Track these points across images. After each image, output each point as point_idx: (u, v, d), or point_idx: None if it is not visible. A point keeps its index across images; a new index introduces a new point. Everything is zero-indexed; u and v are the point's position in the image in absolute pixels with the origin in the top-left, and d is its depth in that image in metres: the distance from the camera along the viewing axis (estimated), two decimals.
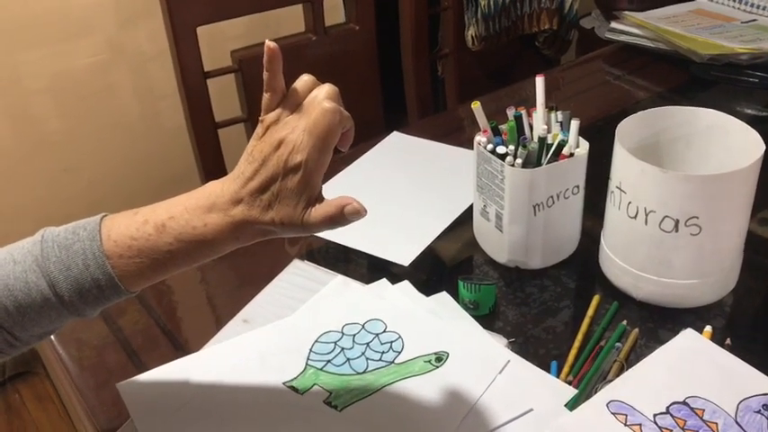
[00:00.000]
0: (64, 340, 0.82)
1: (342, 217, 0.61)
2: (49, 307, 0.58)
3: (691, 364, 0.72)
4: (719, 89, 1.27)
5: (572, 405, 0.69)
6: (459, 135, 1.19)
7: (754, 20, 1.38)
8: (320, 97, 0.60)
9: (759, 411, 0.67)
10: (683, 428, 0.65)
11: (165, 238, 0.59)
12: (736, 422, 0.66)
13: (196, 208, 0.60)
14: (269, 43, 0.60)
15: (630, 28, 1.39)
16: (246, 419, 0.69)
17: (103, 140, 1.80)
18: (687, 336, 0.75)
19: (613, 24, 1.42)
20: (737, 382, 0.69)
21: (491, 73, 1.65)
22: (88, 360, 0.80)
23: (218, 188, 0.61)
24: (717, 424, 0.66)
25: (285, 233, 0.62)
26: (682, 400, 0.68)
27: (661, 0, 1.51)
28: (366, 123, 1.40)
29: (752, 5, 1.42)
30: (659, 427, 0.65)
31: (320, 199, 0.62)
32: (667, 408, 0.67)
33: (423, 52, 1.47)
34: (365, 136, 1.17)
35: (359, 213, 0.61)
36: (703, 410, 0.67)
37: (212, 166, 1.32)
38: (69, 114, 1.75)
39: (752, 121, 1.19)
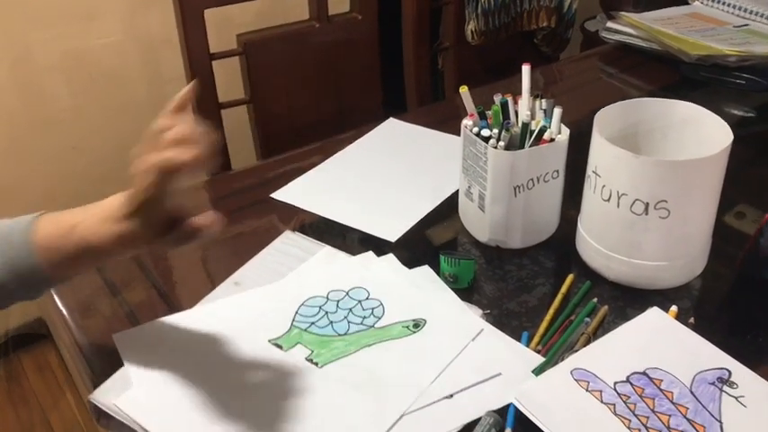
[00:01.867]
0: (66, 300, 0.87)
1: (195, 233, 0.68)
2: None
3: (653, 339, 0.76)
4: (708, 90, 1.31)
5: (539, 372, 0.74)
6: (455, 123, 1.22)
7: (747, 24, 1.42)
8: (152, 159, 0.63)
9: (713, 383, 0.71)
10: (640, 395, 0.70)
11: (74, 238, 0.67)
12: (691, 392, 0.70)
13: (97, 217, 0.67)
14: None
15: (626, 28, 1.43)
16: (233, 371, 0.73)
17: (111, 120, 1.85)
18: (652, 313, 0.79)
19: (609, 24, 1.46)
20: (696, 356, 0.74)
21: (490, 68, 1.69)
22: (87, 316, 0.85)
23: (116, 202, 0.67)
24: (672, 393, 0.70)
25: (160, 246, 0.70)
26: (642, 370, 0.72)
27: (662, 3, 1.55)
28: (365, 111, 1.45)
29: (745, 11, 1.46)
30: (618, 394, 0.70)
31: (181, 220, 0.68)
32: (627, 377, 0.72)
33: (423, 45, 1.51)
34: (365, 122, 1.22)
35: (212, 227, 0.69)
36: (661, 380, 0.71)
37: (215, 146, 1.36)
38: (79, 93, 1.80)
39: (739, 122, 1.24)
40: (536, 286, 0.87)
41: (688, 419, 0.68)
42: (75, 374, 0.80)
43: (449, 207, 1.00)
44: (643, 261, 0.82)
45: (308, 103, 1.44)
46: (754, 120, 1.25)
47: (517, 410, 0.69)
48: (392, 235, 0.95)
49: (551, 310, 0.82)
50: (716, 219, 0.85)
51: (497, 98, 0.89)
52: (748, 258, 0.84)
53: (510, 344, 0.77)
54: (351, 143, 1.17)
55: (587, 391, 0.70)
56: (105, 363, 0.77)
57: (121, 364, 0.75)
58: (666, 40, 1.33)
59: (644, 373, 0.72)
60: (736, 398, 0.69)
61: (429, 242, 0.96)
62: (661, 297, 0.84)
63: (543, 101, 0.89)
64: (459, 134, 0.90)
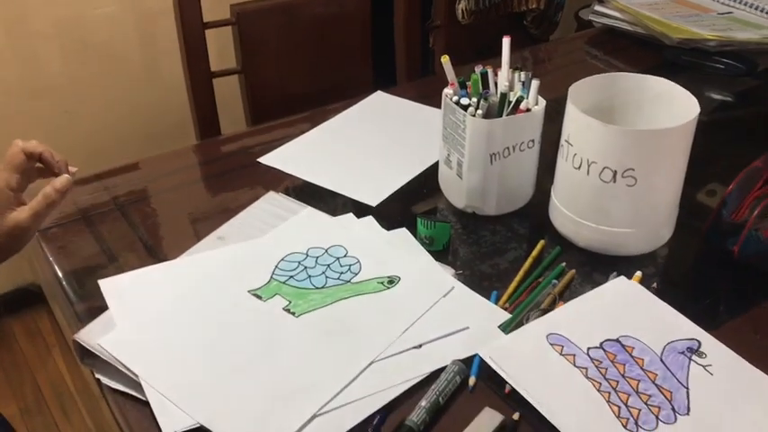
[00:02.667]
0: (56, 253, 0.90)
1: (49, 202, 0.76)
2: None
3: (627, 308, 0.80)
4: (690, 74, 1.34)
5: (505, 327, 0.77)
6: (441, 98, 1.26)
7: (730, 12, 1.45)
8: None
9: (683, 353, 0.74)
10: (612, 361, 0.73)
11: None
12: (661, 360, 0.74)
13: None
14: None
15: (613, 12, 1.46)
16: (212, 317, 0.77)
17: (104, 88, 1.88)
18: (620, 282, 0.83)
19: (597, 7, 1.49)
20: (667, 326, 0.77)
21: (479, 47, 1.71)
22: (75, 266, 0.88)
23: None
24: (643, 360, 0.73)
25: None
26: (615, 337, 0.76)
27: None
28: (356, 85, 1.47)
29: None
30: (591, 359, 0.73)
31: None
32: (601, 343, 0.75)
33: (415, 22, 1.54)
34: (354, 95, 1.25)
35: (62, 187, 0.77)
36: (633, 348, 0.75)
37: (206, 114, 1.39)
38: (73, 60, 1.82)
39: (718, 107, 1.27)
40: (508, 250, 0.90)
41: (656, 385, 0.71)
42: (61, 318, 0.83)
43: (430, 176, 1.03)
44: (611, 228, 0.86)
45: (300, 74, 1.47)
46: (732, 104, 1.28)
47: (482, 360, 0.73)
48: (373, 200, 0.98)
49: (521, 272, 0.85)
50: (688, 196, 0.88)
51: (478, 69, 0.92)
52: (712, 229, 0.87)
53: (479, 301, 0.80)
54: (336, 114, 1.20)
55: (561, 354, 0.73)
56: (90, 307, 0.80)
57: (106, 309, 0.78)
58: (650, 24, 1.37)
59: (617, 341, 0.75)
60: (704, 366, 0.73)
61: (409, 208, 0.99)
62: (627, 263, 0.87)
63: (522, 73, 0.93)
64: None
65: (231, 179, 1.06)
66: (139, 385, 0.69)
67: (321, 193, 1.00)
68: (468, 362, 0.73)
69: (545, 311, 0.79)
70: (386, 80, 1.58)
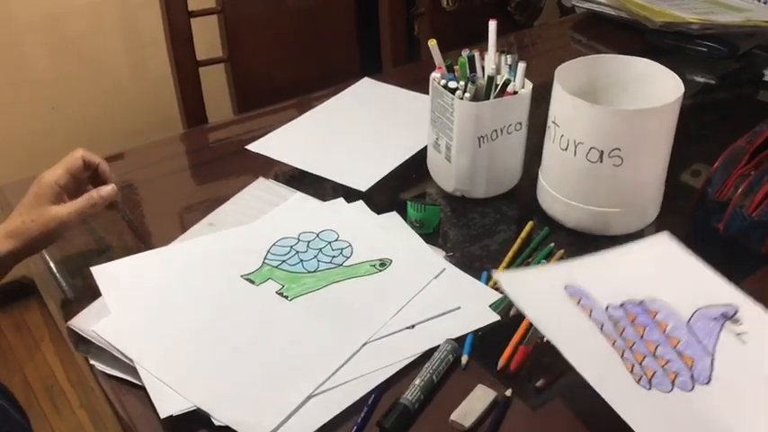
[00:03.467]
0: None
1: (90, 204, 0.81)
2: None
3: (659, 267, 0.75)
4: (673, 58, 1.35)
5: (496, 306, 0.78)
6: (427, 84, 1.27)
7: None
8: None
9: (715, 319, 0.70)
10: (631, 322, 0.70)
11: None
12: (688, 325, 0.70)
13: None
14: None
15: None
16: (206, 302, 0.77)
17: (90, 81, 1.87)
18: (659, 238, 0.79)
19: None
20: (701, 290, 0.72)
21: (464, 35, 1.72)
22: (67, 256, 0.88)
23: None
24: (667, 325, 0.70)
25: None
26: (639, 300, 0.72)
27: None
28: (342, 72, 1.47)
29: None
30: (609, 316, 0.71)
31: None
32: (622, 303, 0.72)
33: (399, 10, 1.54)
34: (341, 82, 1.25)
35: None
36: (657, 312, 0.71)
37: (192, 104, 1.39)
38: (58, 54, 1.81)
39: (701, 89, 1.29)
40: (498, 232, 0.91)
41: (677, 351, 0.68)
42: (54, 308, 0.83)
43: (419, 161, 1.03)
44: (598, 207, 0.87)
45: (286, 62, 1.47)
46: (715, 87, 1.30)
47: (474, 339, 0.74)
48: (363, 184, 0.98)
49: (510, 253, 0.86)
50: (673, 176, 0.89)
51: (465, 52, 0.93)
52: (697, 207, 0.89)
53: (470, 281, 0.81)
54: (324, 100, 1.20)
55: (578, 304, 0.71)
56: (82, 296, 0.81)
57: (99, 296, 0.78)
58: (633, 8, 1.38)
59: (640, 303, 0.72)
60: (738, 334, 0.68)
61: (398, 192, 1.00)
62: (615, 243, 0.88)
63: (509, 56, 0.93)
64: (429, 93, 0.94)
65: (219, 167, 1.06)
66: (134, 370, 0.70)
67: (310, 178, 1.00)
68: (460, 341, 0.74)
69: None
70: (372, 67, 1.59)
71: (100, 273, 0.80)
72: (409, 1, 1.59)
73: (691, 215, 0.90)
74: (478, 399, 0.68)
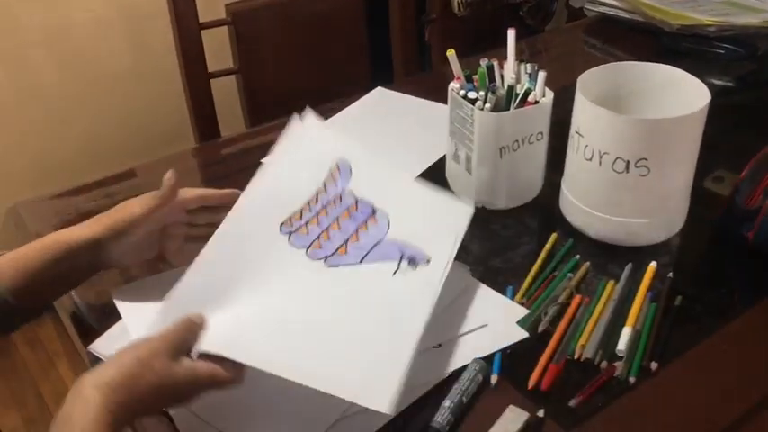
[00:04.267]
0: None
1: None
2: None
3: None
4: (689, 61, 1.33)
5: (524, 323, 0.76)
6: (441, 93, 1.24)
7: None
8: None
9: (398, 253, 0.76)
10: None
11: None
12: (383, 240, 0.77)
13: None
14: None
15: (609, 0, 1.45)
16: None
17: (97, 95, 1.86)
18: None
19: None
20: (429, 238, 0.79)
21: (476, 40, 1.70)
22: None
23: None
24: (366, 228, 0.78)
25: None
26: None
27: None
28: (353, 82, 1.46)
29: None
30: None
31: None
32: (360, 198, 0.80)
33: (410, 17, 1.53)
34: (352, 92, 1.23)
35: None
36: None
37: (205, 116, 1.37)
38: (65, 67, 1.80)
39: (719, 92, 1.26)
40: (520, 245, 0.89)
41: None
42: (70, 327, 0.82)
43: (437, 172, 1.02)
44: (623, 218, 0.85)
45: (297, 73, 1.45)
46: (734, 89, 1.28)
47: (503, 358, 0.72)
48: None
49: (535, 267, 0.84)
50: (694, 183, 0.88)
51: (483, 62, 0.91)
52: (725, 216, 0.87)
53: (496, 297, 0.80)
54: (338, 111, 1.18)
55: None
56: (99, 315, 0.79)
57: (119, 318, 0.77)
58: (649, 11, 1.36)
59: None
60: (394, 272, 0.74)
61: None
62: (641, 254, 0.86)
63: (528, 65, 0.92)
64: (444, 103, 0.92)
65: (234, 183, 1.03)
66: None
67: None
68: (488, 359, 0.72)
69: (563, 305, 0.79)
70: (383, 76, 1.57)
71: (120, 296, 0.78)
72: (420, 7, 1.58)
73: (718, 224, 0.89)
74: (511, 420, 0.66)
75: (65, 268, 0.73)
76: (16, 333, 1.95)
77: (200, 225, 0.79)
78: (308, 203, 0.79)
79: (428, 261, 0.75)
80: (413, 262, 0.76)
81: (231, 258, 0.73)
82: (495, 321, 0.76)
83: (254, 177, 0.80)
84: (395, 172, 0.85)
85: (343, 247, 0.76)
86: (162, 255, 0.80)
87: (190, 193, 0.79)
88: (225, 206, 0.76)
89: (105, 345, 0.73)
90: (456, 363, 0.71)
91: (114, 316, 0.77)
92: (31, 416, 1.77)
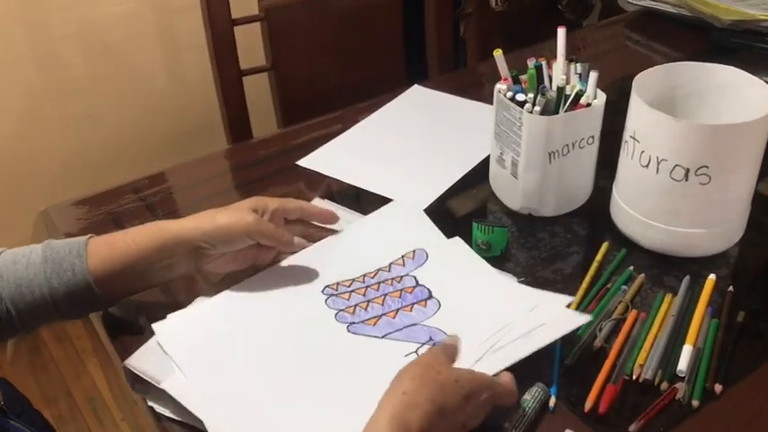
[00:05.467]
0: None
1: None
2: (45, 304, 0.70)
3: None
4: (739, 57, 1.28)
5: (579, 337, 0.72)
6: (478, 91, 1.21)
7: None
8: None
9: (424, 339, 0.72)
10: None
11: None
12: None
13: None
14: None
15: None
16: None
17: (127, 89, 1.84)
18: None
19: None
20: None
21: (512, 35, 1.66)
22: None
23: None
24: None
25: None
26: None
27: None
28: (387, 78, 1.42)
29: None
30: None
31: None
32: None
33: (446, 11, 1.48)
34: (386, 88, 1.20)
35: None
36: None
37: (236, 114, 1.34)
38: (94, 61, 1.78)
39: None
40: (570, 254, 0.85)
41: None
42: (101, 330, 0.80)
43: (477, 175, 0.98)
44: (680, 228, 0.81)
45: (330, 69, 1.42)
46: None
47: (560, 378, 0.68)
48: (422, 203, 0.93)
49: (587, 278, 0.80)
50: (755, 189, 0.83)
51: (531, 62, 0.87)
52: None
53: (543, 295, 0.76)
54: (373, 111, 1.15)
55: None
56: (135, 329, 0.77)
57: (152, 332, 0.74)
58: (698, 6, 1.30)
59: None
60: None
61: (458, 210, 0.94)
62: (698, 265, 0.82)
63: (578, 65, 0.88)
64: (482, 101, 0.88)
65: (269, 185, 1.01)
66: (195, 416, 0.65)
67: (365, 196, 0.95)
68: (547, 381, 0.68)
69: (618, 321, 0.75)
70: (416, 72, 1.53)
71: (162, 329, 0.73)
72: (456, 1, 1.53)
73: None
74: None
75: (166, 258, 0.72)
76: (45, 329, 1.96)
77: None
78: (364, 276, 0.79)
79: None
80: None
81: (265, 298, 0.77)
82: (549, 315, 0.71)
83: (333, 236, 0.85)
84: (477, 262, 0.81)
85: (375, 319, 0.74)
86: (255, 264, 0.80)
87: (292, 203, 0.80)
88: (323, 222, 0.83)
89: (141, 361, 0.70)
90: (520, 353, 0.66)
91: (148, 325, 0.75)
92: (61, 414, 1.76)
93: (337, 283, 0.79)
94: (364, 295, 0.77)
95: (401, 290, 0.77)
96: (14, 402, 0.71)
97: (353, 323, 0.74)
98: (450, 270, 0.80)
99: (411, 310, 0.74)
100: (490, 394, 0.61)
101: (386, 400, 0.57)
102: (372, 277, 0.80)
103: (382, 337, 0.72)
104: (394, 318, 0.74)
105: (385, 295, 0.77)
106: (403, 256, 0.82)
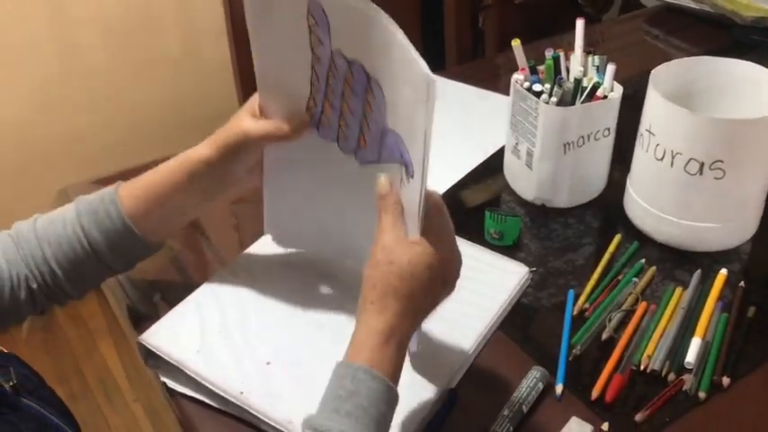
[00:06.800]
0: None
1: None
2: (88, 258, 0.69)
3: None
4: (759, 54, 1.28)
5: (587, 329, 0.73)
6: (495, 82, 1.21)
7: None
8: None
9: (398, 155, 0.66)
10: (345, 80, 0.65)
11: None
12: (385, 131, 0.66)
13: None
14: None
15: None
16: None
17: (145, 72, 1.85)
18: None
19: None
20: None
21: (532, 28, 1.65)
22: None
23: None
24: (370, 110, 0.66)
25: None
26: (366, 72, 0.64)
27: None
28: None
29: None
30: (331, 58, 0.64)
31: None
32: (353, 59, 0.64)
33: (465, 2, 1.48)
34: None
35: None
36: (372, 93, 0.64)
37: None
38: (113, 45, 1.79)
39: None
40: (582, 245, 0.86)
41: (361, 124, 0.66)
42: (120, 315, 0.81)
43: (494, 165, 0.98)
44: (694, 222, 0.81)
45: None
46: None
47: (567, 366, 0.69)
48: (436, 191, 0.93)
49: (599, 269, 0.81)
50: None
51: (549, 53, 0.87)
52: None
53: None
54: None
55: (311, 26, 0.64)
56: (149, 306, 0.78)
57: (166, 309, 0.75)
58: (719, 2, 1.30)
59: (368, 78, 0.64)
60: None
61: (472, 199, 0.95)
62: (710, 260, 0.82)
63: (596, 57, 0.88)
64: (500, 93, 0.88)
65: None
66: (209, 390, 0.67)
67: None
68: (550, 367, 0.69)
69: (628, 312, 0.75)
70: (434, 63, 1.53)
71: (149, 339, 0.72)
72: None
73: None
74: None
75: (199, 187, 0.71)
76: (60, 309, 1.98)
77: None
78: (311, 82, 0.69)
79: (412, 176, 0.66)
80: (408, 172, 0.67)
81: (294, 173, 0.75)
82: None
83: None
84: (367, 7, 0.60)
85: (363, 140, 0.68)
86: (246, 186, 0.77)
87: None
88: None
89: (156, 337, 0.71)
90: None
91: (162, 302, 0.76)
92: (73, 392, 1.79)
93: (308, 107, 0.71)
94: (332, 107, 0.70)
95: (345, 80, 0.66)
96: (26, 380, 0.71)
97: (356, 150, 0.70)
98: (353, 26, 0.63)
99: (371, 110, 0.66)
100: (444, 225, 0.63)
101: (360, 319, 0.58)
102: (317, 78, 0.69)
103: (379, 160, 0.69)
104: (370, 131, 0.68)
105: (342, 94, 0.67)
106: (310, 28, 0.66)
